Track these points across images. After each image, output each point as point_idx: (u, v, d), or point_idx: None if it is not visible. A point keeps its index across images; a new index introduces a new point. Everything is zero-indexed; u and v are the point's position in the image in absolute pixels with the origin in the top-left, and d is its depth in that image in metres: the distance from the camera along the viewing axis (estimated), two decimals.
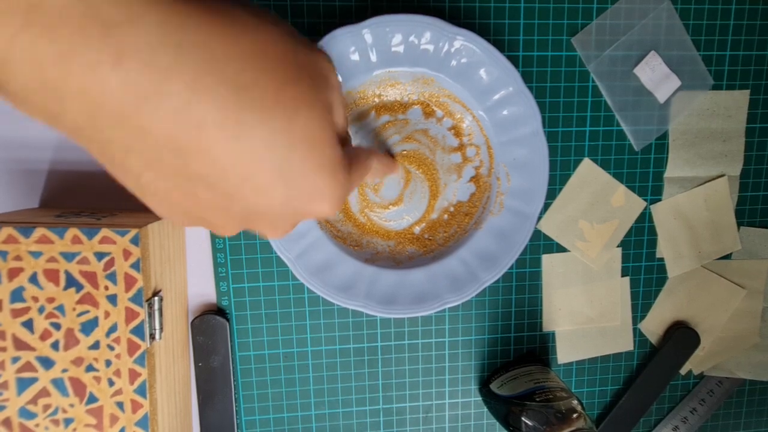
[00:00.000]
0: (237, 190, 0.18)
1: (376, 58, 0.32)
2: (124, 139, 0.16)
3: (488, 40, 0.36)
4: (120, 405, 0.28)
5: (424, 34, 0.32)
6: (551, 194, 0.38)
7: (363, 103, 0.35)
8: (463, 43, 0.32)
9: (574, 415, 0.33)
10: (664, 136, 0.38)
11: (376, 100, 0.35)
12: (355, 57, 0.32)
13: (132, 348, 0.28)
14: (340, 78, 0.31)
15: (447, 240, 0.37)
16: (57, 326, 0.27)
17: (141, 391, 0.28)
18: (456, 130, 0.36)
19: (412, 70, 0.33)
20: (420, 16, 0.31)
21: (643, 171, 0.39)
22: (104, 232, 0.27)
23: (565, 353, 0.40)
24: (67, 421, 0.28)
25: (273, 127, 0.18)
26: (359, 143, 0.35)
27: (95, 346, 0.28)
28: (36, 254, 0.27)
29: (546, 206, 0.38)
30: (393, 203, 0.37)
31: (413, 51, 0.32)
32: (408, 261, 0.36)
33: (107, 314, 0.27)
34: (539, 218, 0.38)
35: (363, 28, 0.31)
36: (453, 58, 0.32)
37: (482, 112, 0.34)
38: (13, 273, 0.27)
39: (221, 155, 0.17)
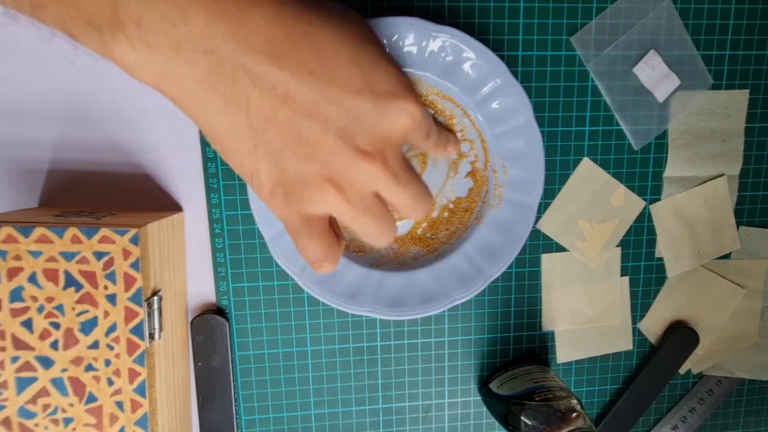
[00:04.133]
0: (326, 87, 0.20)
1: None
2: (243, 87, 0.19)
3: (487, 40, 0.36)
4: (119, 404, 0.28)
5: (408, 35, 0.32)
6: (551, 194, 0.38)
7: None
8: (446, 40, 0.32)
9: (574, 415, 0.33)
10: (663, 136, 0.38)
11: None
12: None
13: (131, 347, 0.28)
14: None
15: (449, 237, 0.37)
16: (56, 326, 0.27)
17: (140, 390, 0.28)
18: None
19: None
20: (401, 17, 0.31)
21: (642, 170, 0.39)
22: (104, 231, 0.27)
23: (564, 353, 0.40)
24: (67, 421, 0.28)
25: (336, 25, 0.21)
26: None
27: (94, 345, 0.28)
28: (35, 254, 0.27)
29: (546, 206, 0.38)
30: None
31: (398, 53, 0.32)
32: (413, 262, 0.37)
33: (107, 314, 0.27)
34: (539, 215, 0.38)
35: None
36: (438, 56, 0.32)
37: (473, 107, 0.34)
38: (13, 272, 0.27)
39: (307, 54, 0.20)
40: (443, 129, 0.32)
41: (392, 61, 0.22)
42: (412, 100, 0.22)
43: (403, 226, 0.37)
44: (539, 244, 0.39)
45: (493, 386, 0.38)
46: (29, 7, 0.18)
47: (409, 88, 0.22)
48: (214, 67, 0.19)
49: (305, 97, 0.20)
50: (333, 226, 0.25)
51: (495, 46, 0.36)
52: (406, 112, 0.22)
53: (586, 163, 0.38)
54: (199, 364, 0.36)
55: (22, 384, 0.28)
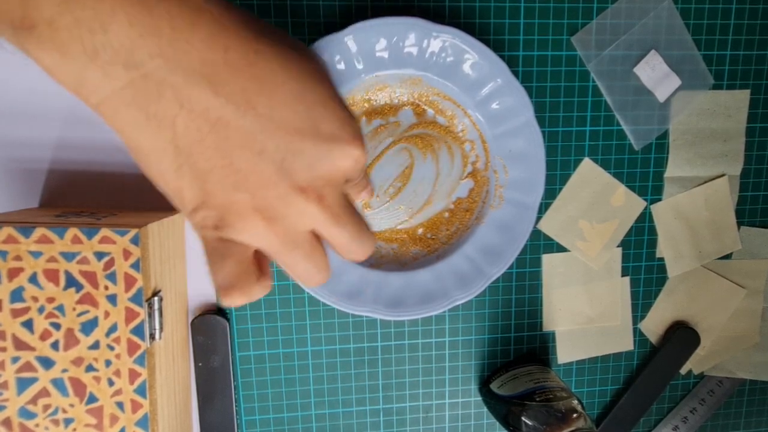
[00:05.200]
0: (265, 121, 0.19)
1: (362, 64, 0.32)
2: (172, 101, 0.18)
3: (488, 40, 0.36)
4: (120, 405, 0.28)
5: (408, 35, 0.32)
6: (551, 194, 0.38)
7: (352, 109, 0.35)
8: (446, 40, 0.32)
9: (574, 415, 0.33)
10: (664, 136, 0.38)
11: (366, 105, 0.35)
12: (341, 66, 0.32)
13: (132, 348, 0.28)
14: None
15: (450, 237, 0.37)
16: (57, 326, 0.27)
17: (141, 391, 0.28)
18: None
19: (399, 72, 0.33)
20: (402, 18, 0.31)
21: (643, 171, 0.39)
22: (104, 232, 0.27)
23: (565, 353, 0.40)
24: (67, 421, 0.28)
25: (284, 57, 0.20)
26: None
27: (95, 346, 0.28)
28: (36, 254, 0.27)
29: (546, 206, 0.38)
30: (391, 201, 0.37)
31: (398, 53, 0.32)
32: (413, 262, 0.37)
33: (107, 314, 0.27)
34: (539, 215, 0.38)
35: (345, 36, 0.31)
36: (438, 56, 0.32)
37: (473, 107, 0.34)
38: (13, 273, 0.27)
39: (249, 83, 0.19)
40: (366, 177, 0.31)
41: (341, 102, 0.22)
42: (359, 145, 0.21)
43: (385, 222, 0.37)
44: (540, 244, 0.39)
45: (494, 387, 0.38)
46: None
47: (356, 131, 0.21)
48: (136, 81, 0.18)
49: (240, 126, 0.19)
50: (260, 261, 0.23)
51: (496, 46, 0.36)
52: (352, 157, 0.21)
53: (586, 163, 0.38)
54: (200, 364, 0.36)
55: (23, 384, 0.28)
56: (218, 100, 0.18)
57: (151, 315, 0.29)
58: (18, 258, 0.27)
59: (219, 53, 0.18)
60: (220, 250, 0.21)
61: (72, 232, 0.27)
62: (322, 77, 0.21)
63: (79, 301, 0.27)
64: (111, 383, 0.28)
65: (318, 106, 0.20)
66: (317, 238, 0.23)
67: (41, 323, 0.27)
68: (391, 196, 0.36)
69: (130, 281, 0.27)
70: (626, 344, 0.41)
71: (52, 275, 0.27)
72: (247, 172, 0.19)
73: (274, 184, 0.20)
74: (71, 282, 0.27)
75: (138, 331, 0.28)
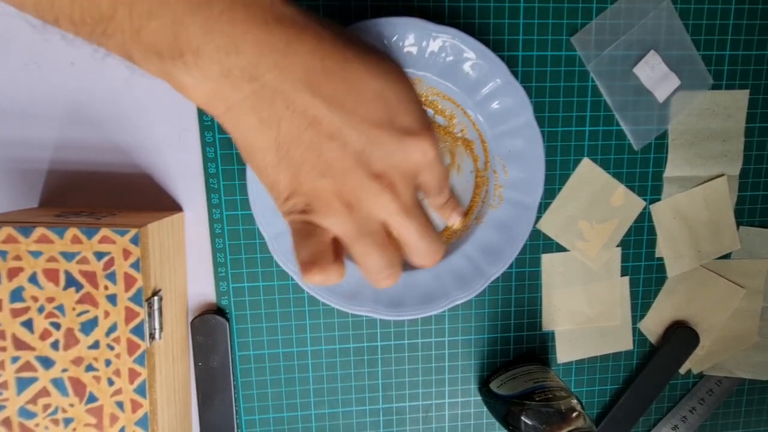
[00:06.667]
0: (351, 115, 0.22)
1: None
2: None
3: (487, 40, 0.36)
4: (120, 405, 0.28)
5: (408, 35, 0.32)
6: (551, 194, 0.38)
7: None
8: (446, 40, 0.32)
9: (574, 415, 0.33)
10: (663, 136, 0.38)
11: None
12: None
13: (132, 348, 0.28)
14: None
15: (449, 237, 0.37)
16: (57, 326, 0.27)
17: (141, 390, 0.28)
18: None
19: None
20: (401, 18, 0.31)
21: (642, 171, 0.39)
22: (104, 231, 0.27)
23: (564, 353, 0.40)
24: (67, 421, 0.28)
25: (369, 62, 0.23)
26: None
27: (95, 345, 0.28)
28: (36, 254, 0.27)
29: (546, 206, 0.38)
30: None
31: (398, 53, 0.32)
32: None
33: (107, 314, 0.27)
34: (539, 215, 0.38)
35: None
36: (438, 56, 0.32)
37: (473, 107, 0.34)
38: (13, 273, 0.27)
39: (340, 85, 0.22)
40: (455, 198, 0.33)
41: (417, 101, 0.24)
42: (428, 140, 0.24)
43: None
44: (539, 244, 0.39)
45: (494, 386, 0.38)
46: (93, 35, 0.20)
47: (428, 128, 0.24)
48: (256, 91, 0.21)
49: (330, 121, 0.22)
50: (337, 249, 0.25)
51: (495, 47, 0.36)
52: (421, 149, 0.24)
53: (586, 163, 0.38)
54: (200, 364, 0.36)
55: (23, 384, 0.28)
56: (314, 101, 0.21)
57: (150, 315, 0.29)
58: (18, 258, 0.27)
59: (318, 62, 0.21)
60: (305, 232, 0.24)
61: (72, 231, 0.27)
62: (400, 79, 0.24)
63: (79, 301, 0.27)
64: (111, 383, 0.28)
65: (395, 103, 0.23)
66: (391, 237, 0.25)
67: (41, 323, 0.27)
68: None
69: (129, 281, 0.27)
70: (626, 344, 0.41)
71: (51, 275, 0.27)
72: (332, 161, 0.22)
73: (354, 171, 0.23)
74: (71, 282, 0.27)
75: (138, 330, 0.28)
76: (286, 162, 0.23)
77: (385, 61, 0.24)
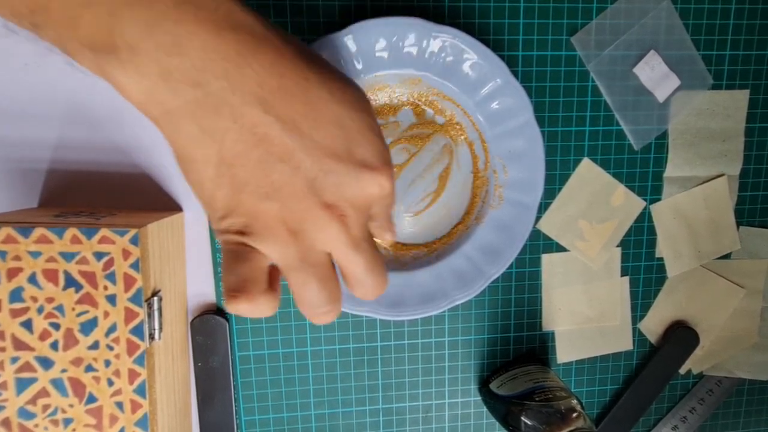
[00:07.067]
0: (306, 140, 0.21)
1: (361, 64, 0.32)
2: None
3: (487, 40, 0.36)
4: (119, 405, 0.28)
5: (408, 35, 0.32)
6: (551, 194, 0.38)
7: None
8: (446, 40, 0.32)
9: (574, 415, 0.33)
10: (663, 136, 0.38)
11: None
12: (341, 66, 0.32)
13: (131, 348, 0.28)
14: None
15: (449, 237, 0.37)
16: (56, 326, 0.27)
17: (140, 391, 0.28)
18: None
19: (398, 72, 0.33)
20: (401, 18, 0.31)
21: (642, 170, 0.39)
22: (103, 232, 0.27)
23: (564, 353, 0.40)
24: (67, 421, 0.28)
25: (331, 85, 0.21)
26: None
27: (94, 346, 0.28)
28: (35, 254, 0.27)
29: (546, 206, 0.38)
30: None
31: (398, 53, 0.32)
32: (412, 262, 0.37)
33: (106, 314, 0.27)
34: (539, 215, 0.38)
35: (345, 36, 0.31)
36: (438, 56, 0.32)
37: (473, 107, 0.34)
38: (12, 273, 0.27)
39: (298, 106, 0.20)
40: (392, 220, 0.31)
41: (378, 132, 0.23)
42: (386, 174, 0.22)
43: (400, 229, 0.37)
44: (539, 244, 0.39)
45: (494, 386, 0.38)
46: (29, 25, 0.19)
47: (387, 162, 0.23)
48: (199, 99, 0.19)
49: (283, 143, 0.20)
50: (272, 279, 0.24)
51: (495, 47, 0.36)
52: (378, 183, 0.22)
53: (586, 163, 0.38)
54: (199, 364, 0.36)
55: (22, 384, 0.28)
56: (267, 118, 0.20)
57: (150, 315, 0.29)
58: (17, 258, 0.27)
59: (275, 79, 0.20)
60: (237, 254, 0.22)
61: (71, 232, 0.27)
62: (363, 107, 0.23)
63: (79, 301, 0.27)
64: (110, 383, 0.28)
65: (355, 132, 0.22)
66: (333, 270, 0.24)
67: (40, 323, 0.27)
68: None
69: (129, 281, 0.27)
70: (625, 344, 0.41)
71: (51, 275, 0.27)
72: (280, 184, 0.21)
73: (303, 197, 0.21)
74: (70, 282, 0.27)
75: (137, 331, 0.28)
76: (228, 178, 0.21)
77: (349, 86, 0.23)
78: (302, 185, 0.21)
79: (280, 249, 0.22)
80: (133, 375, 0.28)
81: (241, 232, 0.22)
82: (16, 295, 0.27)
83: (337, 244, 0.22)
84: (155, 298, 0.29)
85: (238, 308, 0.22)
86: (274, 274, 0.23)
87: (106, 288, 0.27)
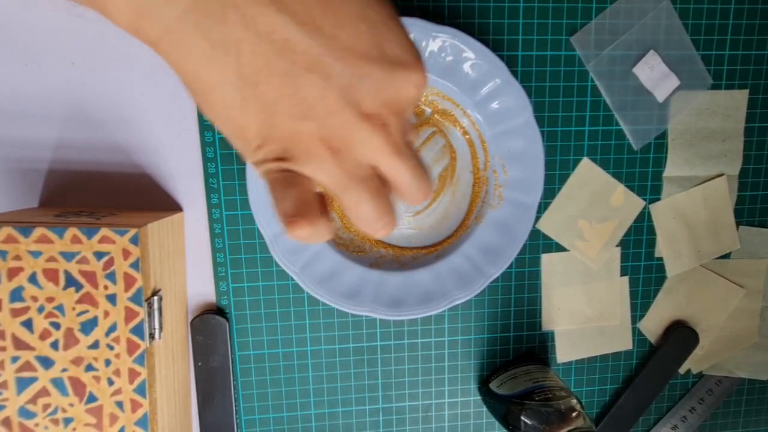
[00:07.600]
0: (331, 42, 0.18)
1: None
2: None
3: (487, 40, 0.36)
4: (119, 404, 0.28)
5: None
6: (550, 194, 0.38)
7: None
8: (446, 40, 0.32)
9: (574, 414, 0.33)
10: (663, 136, 0.38)
11: None
12: None
13: (131, 347, 0.28)
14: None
15: (449, 237, 0.37)
16: (56, 326, 0.27)
17: (140, 390, 0.28)
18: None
19: None
20: (401, 18, 0.31)
21: (642, 170, 0.39)
22: (104, 231, 0.27)
23: (564, 352, 0.40)
24: (67, 421, 0.28)
25: None
26: None
27: (95, 345, 0.28)
28: (35, 254, 0.27)
29: (545, 206, 0.38)
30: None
31: None
32: (412, 262, 0.37)
33: (107, 314, 0.27)
34: (539, 215, 0.38)
35: None
36: (438, 56, 0.32)
37: (472, 107, 0.34)
38: (13, 273, 0.27)
39: (313, 2, 0.17)
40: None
41: (401, 23, 0.20)
42: (422, 71, 0.20)
43: (400, 229, 0.37)
44: (539, 243, 0.39)
45: (493, 386, 0.38)
46: None
47: (418, 56, 0.20)
48: (199, 3, 0.17)
49: (308, 48, 0.18)
50: (321, 202, 0.22)
51: (495, 46, 0.36)
52: (414, 83, 0.20)
53: (585, 163, 0.38)
54: (199, 364, 0.36)
55: (22, 384, 0.28)
56: (282, 18, 0.17)
57: (150, 314, 0.29)
58: (17, 258, 0.27)
59: None
60: (285, 180, 0.20)
61: (71, 231, 0.27)
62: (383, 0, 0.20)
63: (79, 301, 0.27)
64: (111, 383, 0.28)
65: (382, 27, 0.19)
66: (381, 181, 0.22)
67: (41, 323, 0.27)
68: None
69: (129, 281, 0.27)
70: (625, 344, 0.41)
71: (51, 275, 0.27)
72: (314, 99, 0.18)
73: (340, 111, 0.19)
74: (71, 282, 0.27)
75: (137, 330, 0.28)
76: (254, 101, 0.18)
77: None
78: (337, 97, 0.19)
79: (326, 170, 0.20)
80: (133, 374, 0.28)
81: (282, 159, 0.20)
82: (16, 294, 0.27)
83: (383, 156, 0.20)
84: (155, 298, 0.29)
85: (299, 233, 0.20)
86: (321, 199, 0.22)
87: (106, 287, 0.27)
